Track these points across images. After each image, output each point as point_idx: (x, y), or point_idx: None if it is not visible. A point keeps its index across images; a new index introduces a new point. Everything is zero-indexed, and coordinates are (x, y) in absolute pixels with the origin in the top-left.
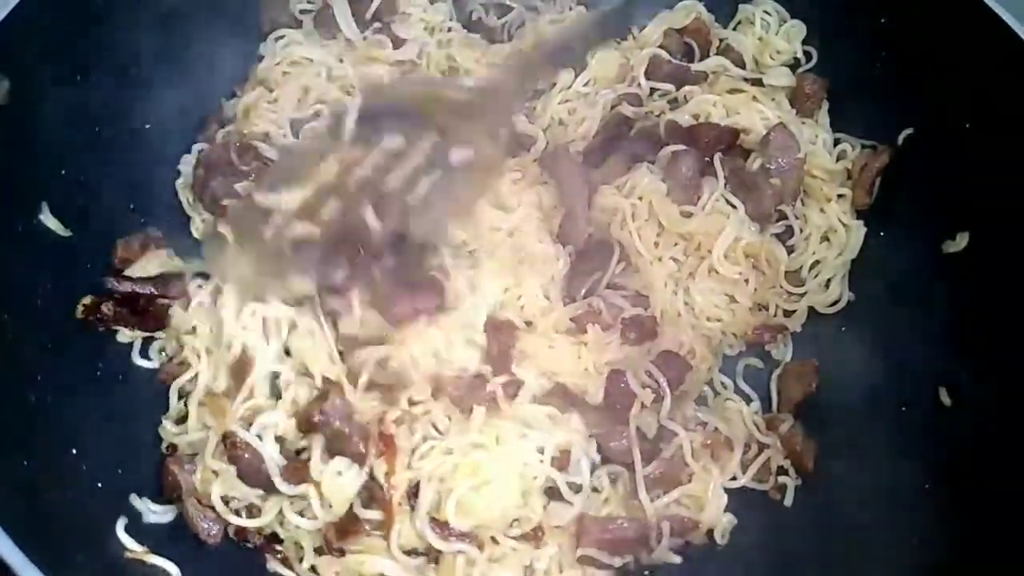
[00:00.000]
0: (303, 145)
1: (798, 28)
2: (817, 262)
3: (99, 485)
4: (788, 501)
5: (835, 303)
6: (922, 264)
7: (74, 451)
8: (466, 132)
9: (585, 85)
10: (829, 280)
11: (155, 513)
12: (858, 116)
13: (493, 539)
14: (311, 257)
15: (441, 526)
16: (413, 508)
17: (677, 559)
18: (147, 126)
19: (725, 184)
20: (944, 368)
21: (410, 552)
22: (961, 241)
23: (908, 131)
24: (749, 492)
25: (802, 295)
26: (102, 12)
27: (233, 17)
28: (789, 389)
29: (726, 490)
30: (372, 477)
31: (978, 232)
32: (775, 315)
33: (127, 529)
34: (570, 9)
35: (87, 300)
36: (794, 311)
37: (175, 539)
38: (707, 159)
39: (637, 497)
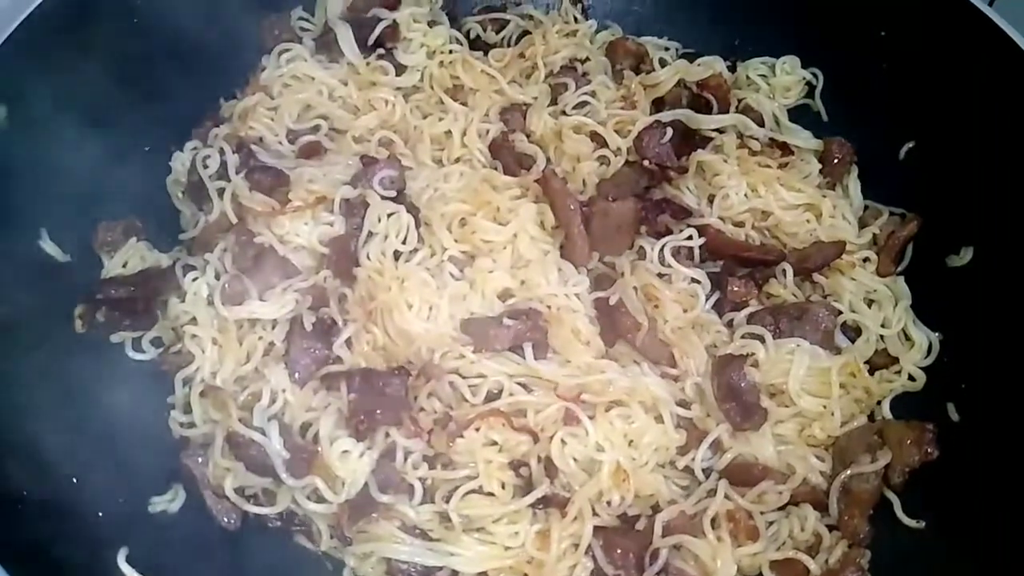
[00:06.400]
0: None
1: (791, 61)
2: (882, 326)
3: (100, 515)
4: None
5: (929, 350)
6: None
7: (75, 480)
8: None
9: (587, 115)
10: (906, 334)
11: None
12: (860, 132)
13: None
14: None
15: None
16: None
17: None
18: (146, 148)
19: (775, 335)
20: (951, 383)
21: (416, 531)
22: (965, 255)
23: (909, 144)
24: None
25: (898, 371)
26: (100, 36)
27: (237, 28)
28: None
29: None
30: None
31: (982, 246)
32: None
33: (128, 560)
34: (576, 20)
35: (80, 310)
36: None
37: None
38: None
39: None
